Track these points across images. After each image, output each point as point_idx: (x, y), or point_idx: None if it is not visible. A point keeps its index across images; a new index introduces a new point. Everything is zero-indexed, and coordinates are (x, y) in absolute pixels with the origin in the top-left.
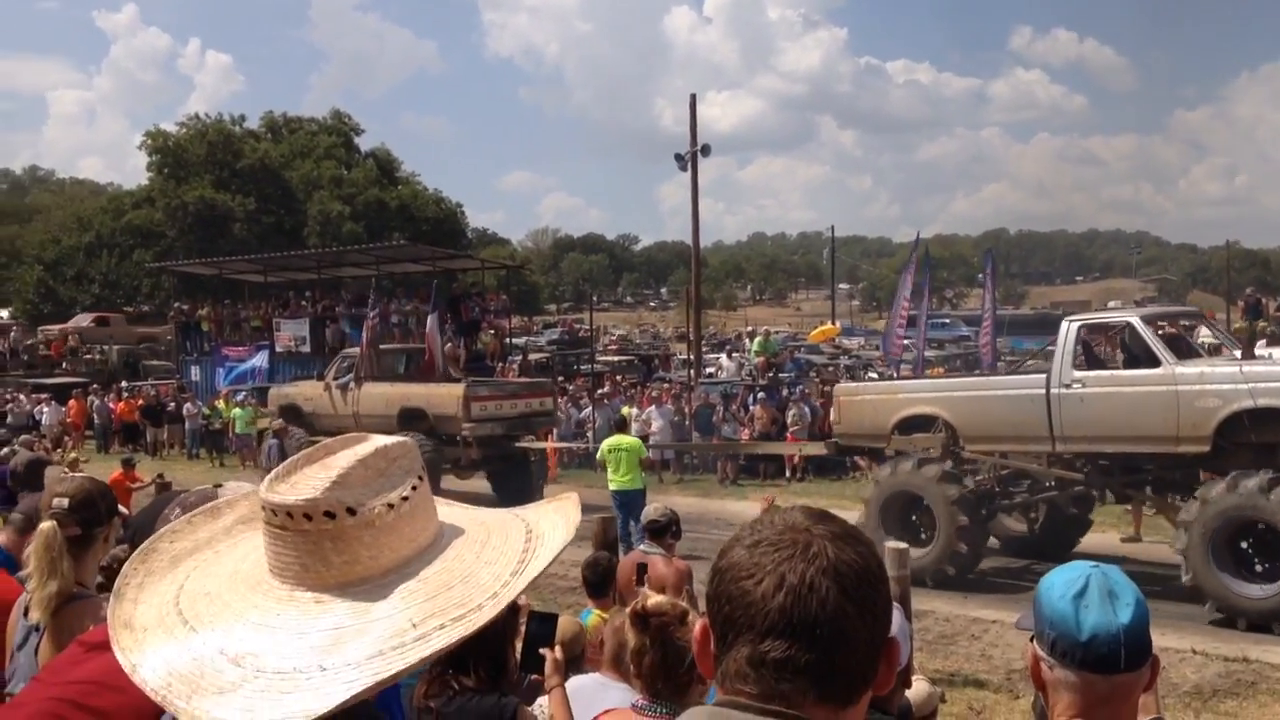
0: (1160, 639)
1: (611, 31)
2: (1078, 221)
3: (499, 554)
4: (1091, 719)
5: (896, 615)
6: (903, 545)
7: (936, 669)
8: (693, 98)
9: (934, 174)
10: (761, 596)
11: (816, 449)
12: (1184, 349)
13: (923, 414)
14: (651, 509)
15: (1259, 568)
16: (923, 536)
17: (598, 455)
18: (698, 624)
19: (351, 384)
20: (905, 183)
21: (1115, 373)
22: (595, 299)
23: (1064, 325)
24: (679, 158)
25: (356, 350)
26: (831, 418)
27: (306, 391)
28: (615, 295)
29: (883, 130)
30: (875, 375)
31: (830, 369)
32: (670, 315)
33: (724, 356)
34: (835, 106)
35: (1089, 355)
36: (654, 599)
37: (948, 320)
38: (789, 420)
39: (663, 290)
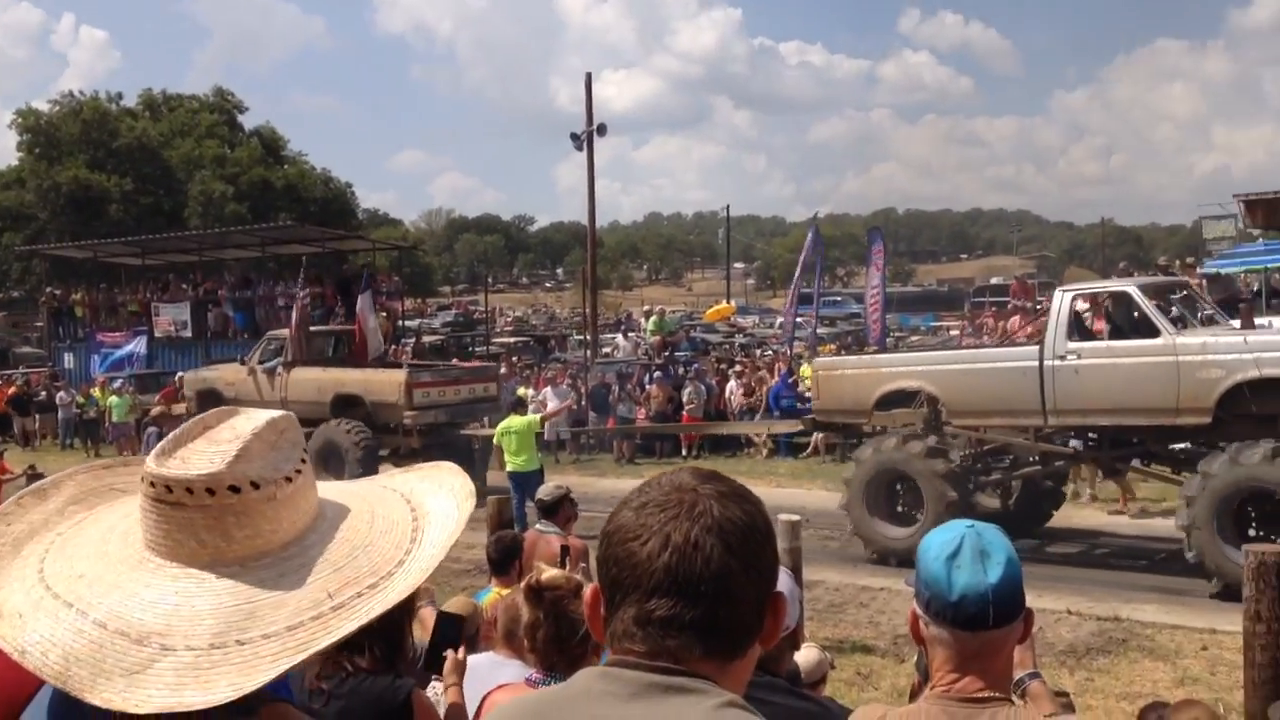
0: (1037, 600)
1: (505, 9)
2: (963, 201)
3: (390, 524)
4: (966, 673)
5: (786, 578)
6: (796, 518)
7: (826, 636)
8: (588, 76)
9: (826, 154)
10: (647, 556)
11: (789, 426)
12: (1178, 319)
13: (907, 388)
14: (542, 488)
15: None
16: (902, 512)
17: (494, 440)
18: (588, 588)
19: (279, 368)
20: (799, 163)
21: (1112, 344)
22: (490, 280)
23: (1057, 295)
24: (574, 137)
25: (284, 332)
26: (810, 393)
27: (228, 376)
28: (511, 276)
29: (777, 111)
30: (771, 353)
31: (726, 347)
32: (566, 296)
33: (620, 336)
34: (730, 87)
35: (1081, 327)
36: (548, 573)
37: (839, 298)
38: (685, 399)
39: (559, 271)
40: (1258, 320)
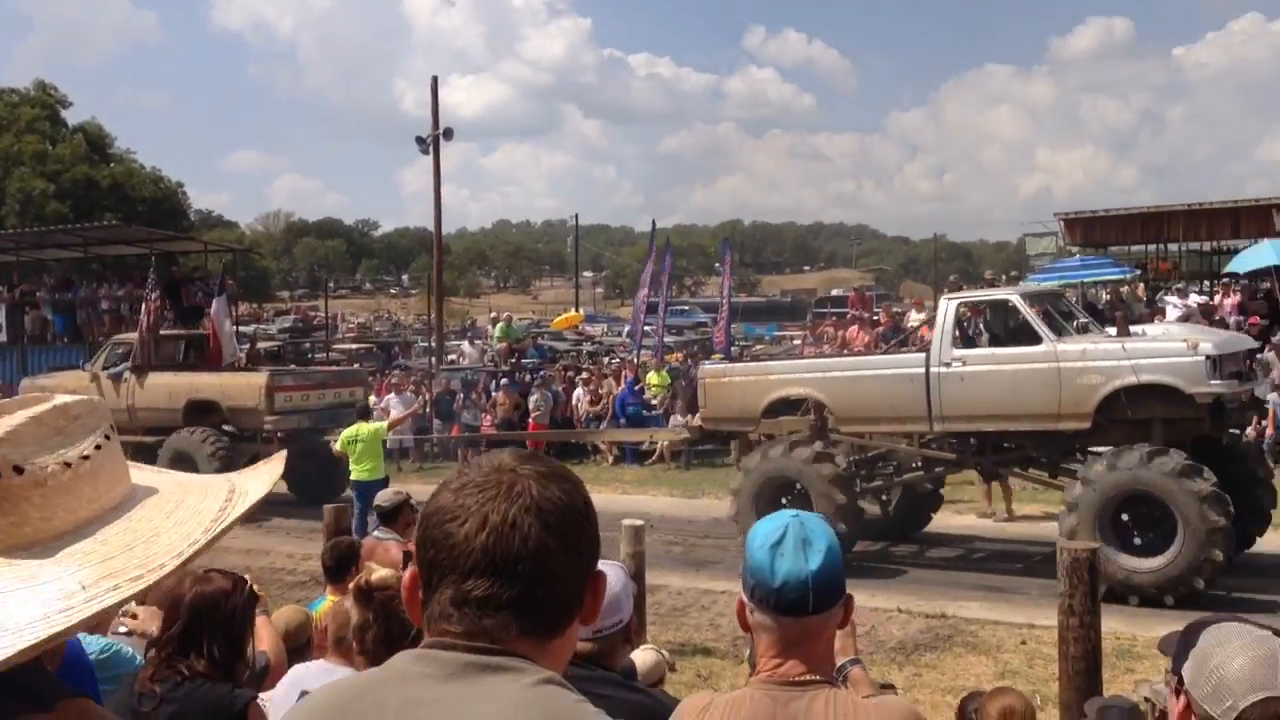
0: (870, 600)
1: (349, 9)
2: (806, 214)
3: (192, 514)
4: (788, 658)
5: (620, 573)
6: (639, 523)
7: (668, 639)
8: (434, 80)
9: (675, 165)
10: (465, 537)
11: (675, 434)
12: (1057, 327)
13: (796, 396)
14: (381, 494)
15: (1137, 541)
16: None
17: (336, 447)
18: (406, 571)
19: (127, 374)
20: (648, 174)
21: (996, 350)
22: (332, 285)
23: (942, 303)
24: (420, 141)
25: (131, 336)
26: (698, 400)
27: (69, 384)
28: (354, 282)
29: (626, 121)
30: (618, 360)
31: (573, 355)
32: (412, 302)
33: (466, 343)
34: (580, 96)
35: (965, 334)
36: (378, 573)
37: (686, 307)
38: (531, 406)
39: (404, 277)
40: (1134, 329)
